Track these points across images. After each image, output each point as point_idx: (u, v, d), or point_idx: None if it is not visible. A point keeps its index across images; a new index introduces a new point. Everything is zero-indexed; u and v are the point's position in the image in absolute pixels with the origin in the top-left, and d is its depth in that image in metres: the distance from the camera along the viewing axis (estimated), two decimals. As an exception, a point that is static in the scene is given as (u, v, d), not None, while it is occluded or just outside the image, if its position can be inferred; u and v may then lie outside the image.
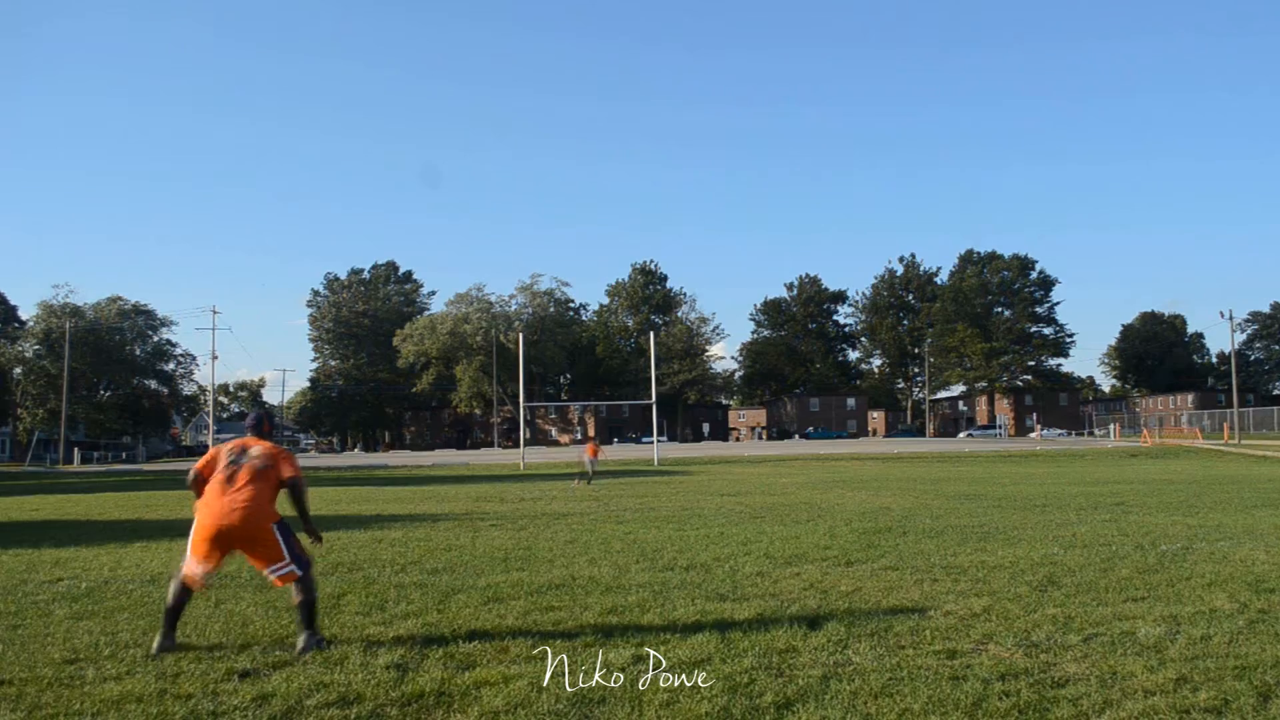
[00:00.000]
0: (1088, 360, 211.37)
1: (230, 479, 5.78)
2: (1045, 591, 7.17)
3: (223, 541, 5.68)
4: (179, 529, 13.81)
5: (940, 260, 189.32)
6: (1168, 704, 4.41)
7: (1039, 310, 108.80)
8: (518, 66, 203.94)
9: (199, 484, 5.93)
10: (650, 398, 41.24)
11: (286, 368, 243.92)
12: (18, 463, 68.39)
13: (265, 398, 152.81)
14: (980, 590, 7.25)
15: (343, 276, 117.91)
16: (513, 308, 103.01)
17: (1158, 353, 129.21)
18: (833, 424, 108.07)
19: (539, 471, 34.53)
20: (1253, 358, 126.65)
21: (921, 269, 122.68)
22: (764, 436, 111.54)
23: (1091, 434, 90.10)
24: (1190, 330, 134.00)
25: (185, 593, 5.75)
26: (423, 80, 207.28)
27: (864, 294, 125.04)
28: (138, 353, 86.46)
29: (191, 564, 5.71)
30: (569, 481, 25.13)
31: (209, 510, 5.70)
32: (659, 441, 47.13)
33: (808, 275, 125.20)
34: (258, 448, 6.01)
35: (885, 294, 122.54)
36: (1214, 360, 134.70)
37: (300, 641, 5.68)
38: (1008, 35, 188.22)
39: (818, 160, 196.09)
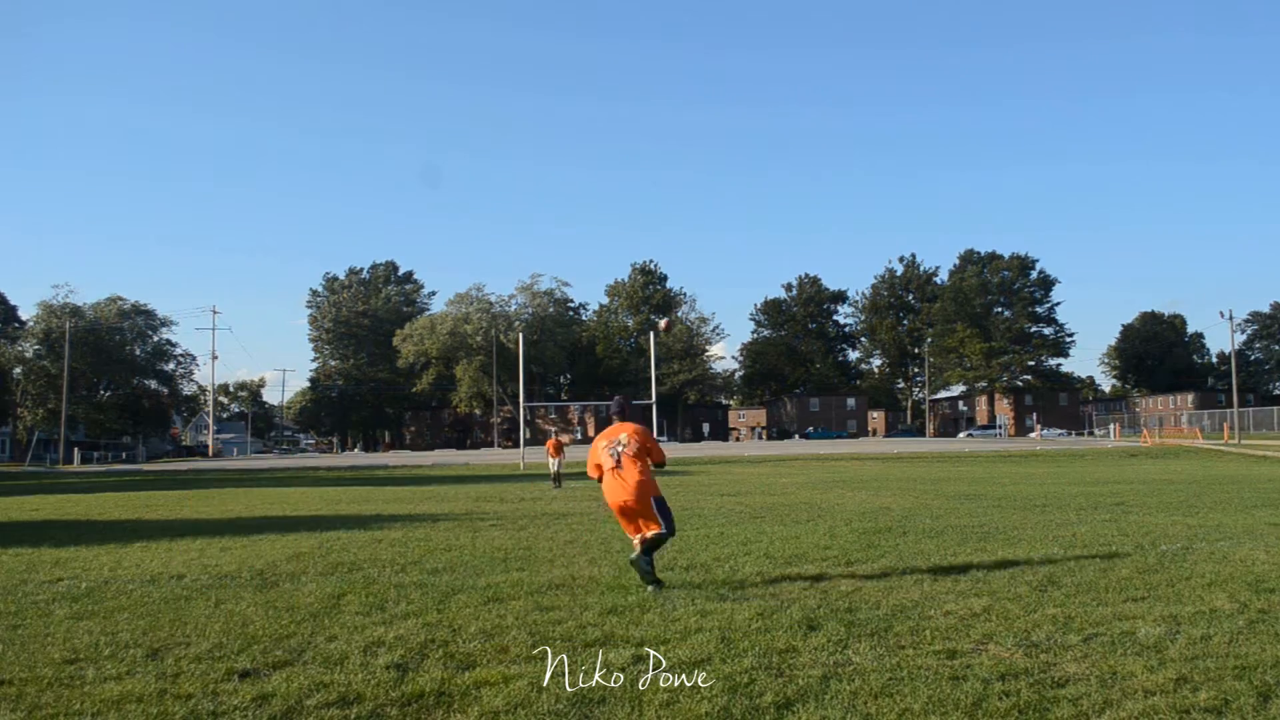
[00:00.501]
0: (1088, 360, 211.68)
1: (619, 467, 7.29)
2: (1045, 591, 7.17)
3: (628, 513, 7.28)
4: (179, 529, 13.82)
5: (940, 260, 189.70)
6: (1168, 704, 4.41)
7: (1039, 310, 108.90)
8: (518, 66, 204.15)
9: (599, 472, 7.51)
10: (650, 398, 41.22)
11: (286, 368, 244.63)
12: (18, 463, 68.40)
13: (265, 398, 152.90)
14: (980, 590, 7.25)
15: (342, 276, 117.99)
16: (513, 308, 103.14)
17: (1158, 353, 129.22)
18: (833, 424, 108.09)
19: (539, 471, 34.48)
20: (1253, 358, 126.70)
21: (921, 269, 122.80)
22: (764, 436, 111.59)
23: (1091, 434, 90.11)
24: (1190, 330, 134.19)
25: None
26: (422, 80, 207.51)
27: (864, 294, 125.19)
28: (138, 353, 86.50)
29: (632, 538, 7.47)
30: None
31: (615, 493, 7.29)
32: (659, 441, 47.11)
33: (807, 275, 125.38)
34: (629, 436, 7.42)
35: (885, 294, 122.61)
36: (1214, 360, 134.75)
37: (635, 552, 7.30)
38: (1008, 35, 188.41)
39: (818, 160, 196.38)
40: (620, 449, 7.35)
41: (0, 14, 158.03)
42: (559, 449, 23.10)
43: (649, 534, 7.25)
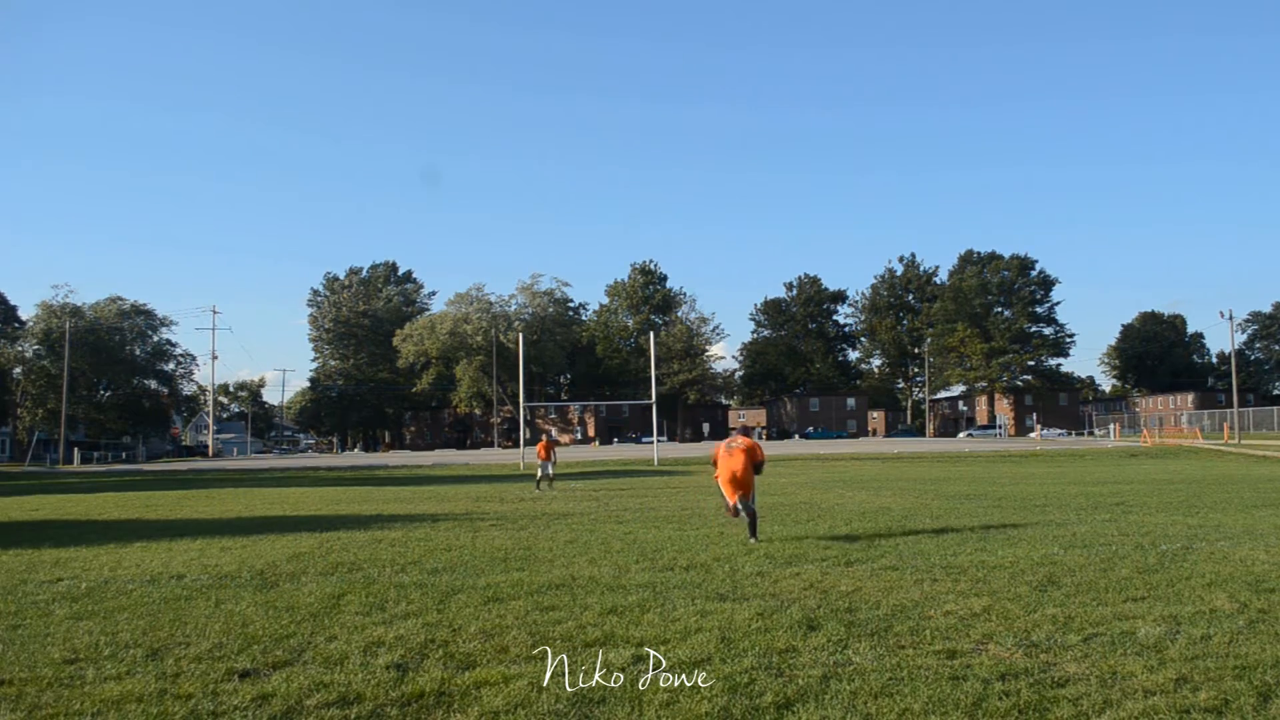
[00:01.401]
0: (1088, 360, 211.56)
1: (730, 452, 10.57)
2: (1045, 591, 7.17)
3: (735, 482, 10.38)
4: (179, 529, 13.82)
5: (940, 260, 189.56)
6: (1168, 704, 4.41)
7: (1039, 310, 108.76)
8: (518, 66, 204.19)
9: (715, 461, 10.87)
10: (650, 398, 41.24)
11: (286, 368, 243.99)
12: (18, 463, 68.38)
13: (265, 398, 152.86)
14: (980, 590, 7.25)
15: (342, 276, 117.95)
16: (513, 308, 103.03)
17: (1158, 353, 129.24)
18: (832, 424, 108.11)
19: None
20: (1253, 358, 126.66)
21: (921, 269, 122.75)
22: (764, 436, 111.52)
23: (1091, 434, 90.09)
24: (1190, 330, 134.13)
25: (735, 511, 10.43)
26: (423, 80, 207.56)
27: (864, 294, 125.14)
28: (137, 353, 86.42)
29: (728, 500, 10.51)
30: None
31: (726, 468, 10.48)
32: (659, 441, 47.13)
33: (807, 275, 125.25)
34: (740, 439, 10.73)
35: (885, 294, 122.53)
36: (1214, 360, 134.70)
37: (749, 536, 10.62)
38: (1008, 36, 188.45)
39: (818, 160, 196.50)
40: (734, 444, 10.64)
41: (1, 16, 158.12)
42: (549, 450, 21.88)
43: (739, 505, 10.42)
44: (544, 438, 22.17)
